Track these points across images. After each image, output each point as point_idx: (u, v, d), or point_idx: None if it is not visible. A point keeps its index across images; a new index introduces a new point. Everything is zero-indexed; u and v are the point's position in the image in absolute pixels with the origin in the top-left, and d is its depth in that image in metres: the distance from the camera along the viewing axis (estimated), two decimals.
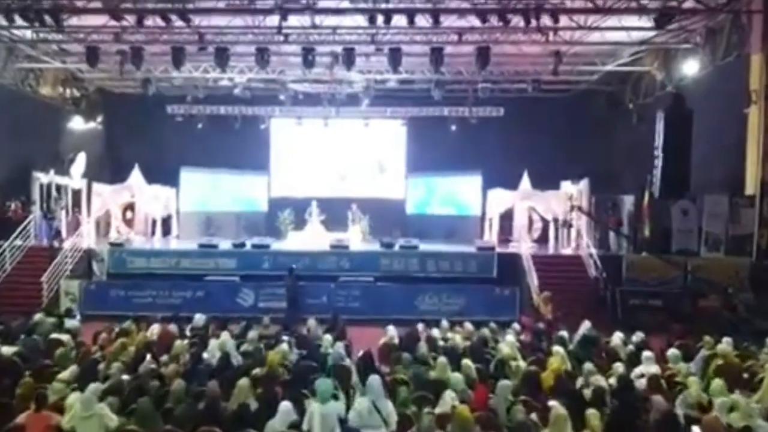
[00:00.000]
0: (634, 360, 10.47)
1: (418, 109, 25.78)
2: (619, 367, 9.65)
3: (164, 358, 10.23)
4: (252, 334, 11.32)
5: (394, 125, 26.67)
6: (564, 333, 11.72)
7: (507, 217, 23.64)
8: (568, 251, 20.65)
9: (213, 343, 10.65)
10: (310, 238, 21.86)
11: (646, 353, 10.18)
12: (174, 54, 18.47)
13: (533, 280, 17.36)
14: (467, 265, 18.80)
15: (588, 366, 9.43)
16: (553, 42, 19.01)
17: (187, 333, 12.26)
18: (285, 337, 11.40)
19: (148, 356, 10.11)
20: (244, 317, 16.43)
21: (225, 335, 11.13)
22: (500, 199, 22.97)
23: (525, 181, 23.44)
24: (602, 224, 20.06)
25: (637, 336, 11.58)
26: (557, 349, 10.32)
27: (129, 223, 24.43)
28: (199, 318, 12.75)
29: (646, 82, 23.80)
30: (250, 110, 26.10)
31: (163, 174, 24.72)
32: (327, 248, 19.51)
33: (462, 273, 18.70)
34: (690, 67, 20.33)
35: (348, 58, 18.44)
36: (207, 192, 25.77)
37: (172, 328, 11.98)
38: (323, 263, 18.93)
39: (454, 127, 25.39)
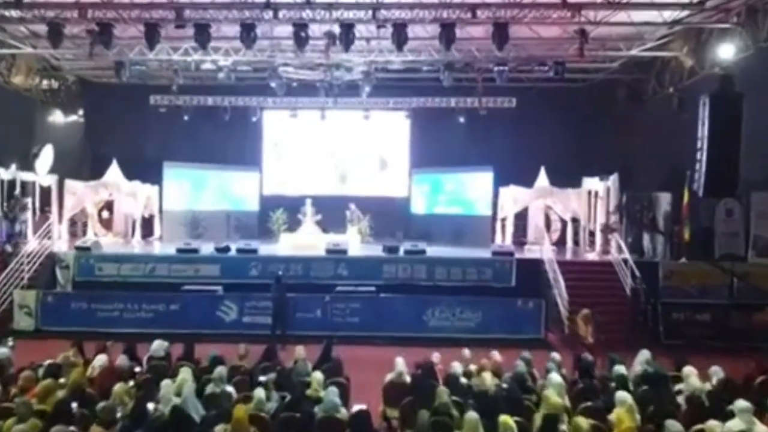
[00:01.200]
0: (717, 408, 7.68)
1: (423, 99, 22.96)
2: (715, 428, 6.81)
3: (101, 405, 7.42)
4: (220, 370, 8.48)
5: (396, 117, 23.80)
6: (622, 368, 8.85)
7: (520, 217, 20.92)
8: (591, 256, 17.84)
9: (167, 385, 7.81)
10: (304, 240, 19.08)
11: (741, 403, 7.31)
12: (147, 31, 15.55)
13: (561, 291, 14.55)
14: (482, 273, 15.99)
15: (673, 426, 6.64)
16: (577, 22, 16.25)
17: (142, 366, 9.44)
18: (262, 378, 8.58)
19: (74, 406, 7.32)
20: (225, 334, 13.91)
21: (185, 373, 8.32)
22: (515, 197, 20.19)
23: (542, 178, 20.70)
24: (639, 225, 17.18)
25: (716, 373, 8.74)
26: (622, 396, 7.47)
27: (106, 223, 21.68)
28: (159, 346, 9.88)
29: (672, 68, 20.97)
30: (241, 101, 23.28)
31: (145, 170, 22.01)
32: (322, 253, 16.72)
33: (476, 282, 15.90)
34: (726, 51, 17.46)
35: (346, 36, 15.54)
36: (193, 189, 22.91)
37: (120, 360, 9.15)
38: (318, 270, 16.13)
39: (462, 119, 22.62)
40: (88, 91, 24.54)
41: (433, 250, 17.18)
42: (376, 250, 17.64)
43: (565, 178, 20.69)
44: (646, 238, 17.00)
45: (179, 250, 16.69)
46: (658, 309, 14.27)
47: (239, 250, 16.63)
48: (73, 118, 25.13)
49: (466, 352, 9.69)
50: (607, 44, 19.70)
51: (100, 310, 14.81)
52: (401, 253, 16.65)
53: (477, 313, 14.43)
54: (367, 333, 14.20)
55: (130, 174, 21.79)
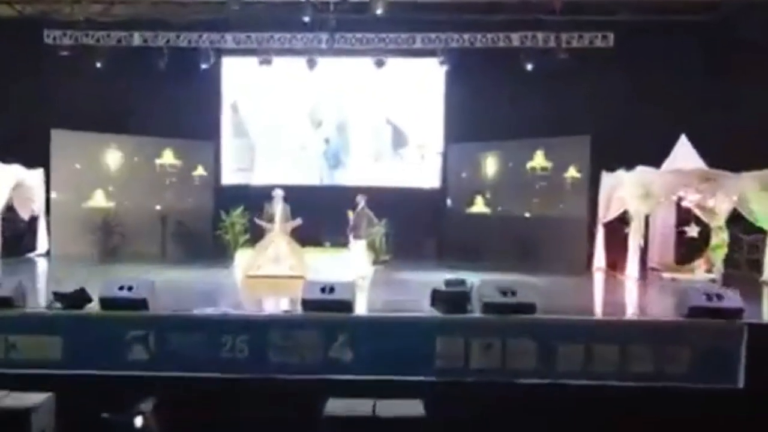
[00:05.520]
0: None
1: (468, 36, 12.97)
2: None
3: None
4: None
5: (426, 65, 13.68)
6: None
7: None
8: None
9: None
10: (265, 266, 9.26)
11: None
12: None
13: None
14: (665, 358, 6.04)
15: None
16: None
17: None
18: None
19: None
20: None
21: None
22: (647, 186, 10.32)
23: (684, 152, 10.88)
24: None
25: None
26: None
27: None
28: None
29: None
30: (185, 39, 13.35)
31: (27, 143, 12.36)
32: (297, 307, 6.72)
33: (652, 379, 6.00)
34: None
35: None
36: (105, 174, 13.05)
37: None
38: (283, 352, 6.11)
39: (530, 66, 12.73)
40: None
41: (537, 291, 7.19)
42: (406, 292, 7.73)
43: (711, 154, 11.04)
44: None
45: None
46: None
47: (106, 302, 6.53)
48: None
49: None
50: None
51: None
52: (476, 310, 6.59)
53: None
54: None
55: (8, 151, 12.00)
